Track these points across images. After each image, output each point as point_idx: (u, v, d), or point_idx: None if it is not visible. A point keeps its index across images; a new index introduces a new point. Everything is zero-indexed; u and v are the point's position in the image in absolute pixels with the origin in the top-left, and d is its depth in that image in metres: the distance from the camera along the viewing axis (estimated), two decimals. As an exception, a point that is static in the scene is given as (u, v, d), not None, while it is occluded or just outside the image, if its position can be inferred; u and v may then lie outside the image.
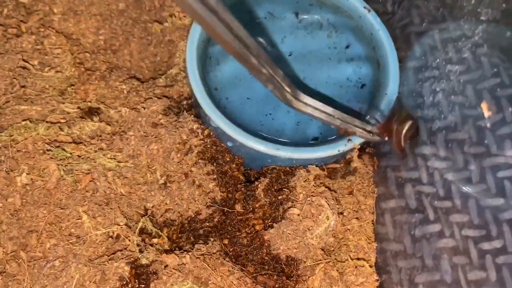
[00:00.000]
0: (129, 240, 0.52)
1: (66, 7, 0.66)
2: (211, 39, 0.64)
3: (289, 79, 0.49)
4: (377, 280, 0.57)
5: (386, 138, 0.59)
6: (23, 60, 0.61)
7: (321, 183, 0.58)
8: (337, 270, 0.55)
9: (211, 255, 0.53)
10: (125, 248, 0.52)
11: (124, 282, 0.50)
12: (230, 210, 0.59)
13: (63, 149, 0.56)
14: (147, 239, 0.54)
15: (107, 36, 0.68)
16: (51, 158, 0.54)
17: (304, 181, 0.58)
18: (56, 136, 0.57)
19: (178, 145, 0.59)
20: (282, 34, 0.72)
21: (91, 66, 0.66)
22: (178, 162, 0.59)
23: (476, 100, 0.56)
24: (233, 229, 0.58)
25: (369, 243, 0.58)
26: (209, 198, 0.59)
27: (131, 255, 0.51)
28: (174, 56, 0.71)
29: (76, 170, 0.55)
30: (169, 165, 0.58)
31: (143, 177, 0.57)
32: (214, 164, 0.60)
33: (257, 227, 0.57)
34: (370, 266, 0.57)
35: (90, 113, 0.61)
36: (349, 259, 0.56)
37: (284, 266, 0.55)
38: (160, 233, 0.55)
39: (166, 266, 0.51)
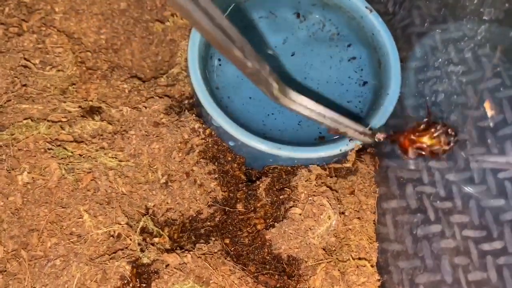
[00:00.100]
0: (130, 239, 0.52)
1: (68, 6, 0.66)
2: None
3: (277, 75, 0.46)
4: (379, 280, 0.57)
5: (382, 140, 0.58)
6: (25, 59, 0.61)
7: (322, 182, 0.58)
8: (339, 270, 0.55)
9: (212, 254, 0.53)
10: (126, 247, 0.52)
11: (125, 281, 0.49)
12: (231, 209, 0.59)
13: (64, 148, 0.56)
14: (148, 238, 0.54)
15: (109, 35, 0.68)
16: (52, 157, 0.54)
17: (305, 181, 0.58)
18: (58, 135, 0.57)
19: (179, 144, 0.59)
20: (285, 35, 0.72)
21: (92, 65, 0.66)
22: (180, 162, 0.59)
23: (477, 101, 0.56)
24: (234, 229, 0.58)
25: (370, 243, 0.58)
26: (210, 197, 0.59)
27: (132, 254, 0.51)
28: (176, 56, 0.71)
29: (77, 169, 0.55)
30: (170, 164, 0.58)
31: (144, 176, 0.57)
32: (216, 164, 0.60)
33: (259, 227, 0.57)
34: (372, 266, 0.57)
35: (92, 112, 0.61)
36: (351, 259, 0.56)
37: (285, 266, 0.55)
38: (161, 232, 0.55)
39: (167, 265, 0.51)
